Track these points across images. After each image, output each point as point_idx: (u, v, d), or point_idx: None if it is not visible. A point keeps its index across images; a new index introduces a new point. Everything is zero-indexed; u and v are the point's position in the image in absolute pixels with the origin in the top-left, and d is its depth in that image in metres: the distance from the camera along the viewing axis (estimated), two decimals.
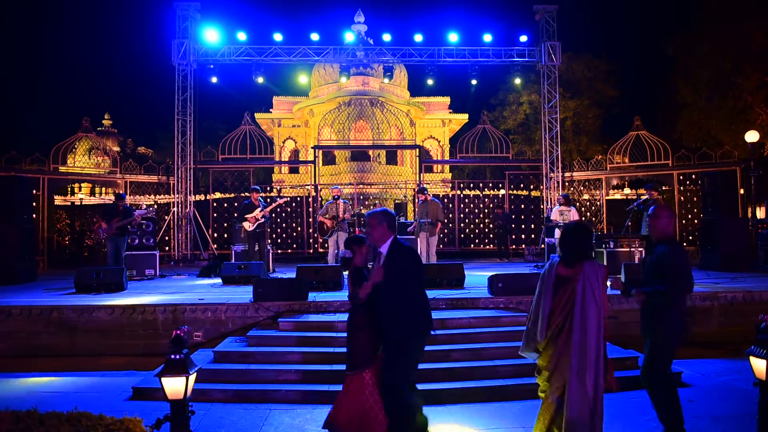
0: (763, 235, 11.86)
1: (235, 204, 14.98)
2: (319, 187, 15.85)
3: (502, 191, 16.49)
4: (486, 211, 16.11)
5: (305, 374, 5.69)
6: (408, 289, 3.89)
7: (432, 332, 4.00)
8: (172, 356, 3.61)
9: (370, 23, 27.71)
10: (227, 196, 16.03)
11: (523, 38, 15.56)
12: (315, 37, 15.39)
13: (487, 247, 15.99)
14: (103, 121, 50.49)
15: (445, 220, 14.66)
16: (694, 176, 14.37)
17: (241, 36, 15.17)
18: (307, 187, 17.59)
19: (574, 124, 27.16)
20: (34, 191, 12.81)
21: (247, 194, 13.27)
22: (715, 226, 11.12)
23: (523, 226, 16.02)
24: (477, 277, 9.38)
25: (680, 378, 5.64)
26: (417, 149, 18.53)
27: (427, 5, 50.04)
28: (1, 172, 12.95)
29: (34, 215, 12.32)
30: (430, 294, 4.78)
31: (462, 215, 16.10)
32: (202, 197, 15.91)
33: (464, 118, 28.15)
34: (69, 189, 22.05)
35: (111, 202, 12.85)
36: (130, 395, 5.44)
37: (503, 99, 29.57)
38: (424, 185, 14.04)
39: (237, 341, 6.66)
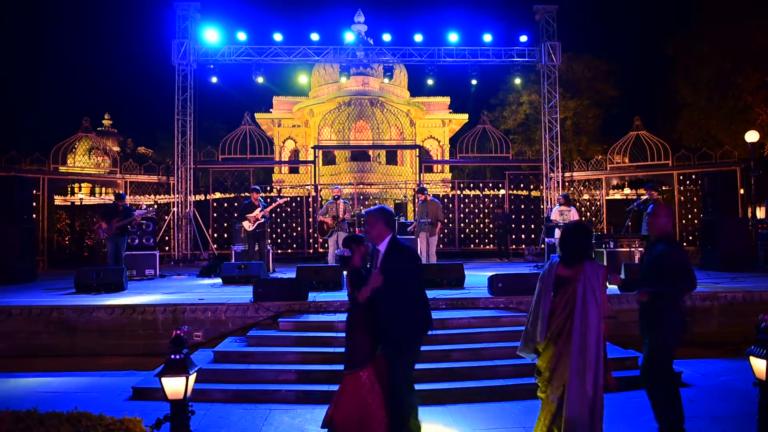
0: (763, 235, 11.87)
1: (235, 204, 14.99)
2: (319, 187, 15.85)
3: (502, 191, 16.49)
4: (486, 211, 16.11)
5: (305, 374, 5.70)
6: (407, 289, 3.89)
7: (432, 332, 4.00)
8: (172, 356, 3.61)
9: (370, 23, 27.72)
10: (227, 196, 16.03)
11: (523, 38, 15.56)
12: (315, 37, 15.39)
13: (487, 247, 15.99)
14: (103, 121, 50.49)
15: (445, 220, 14.66)
16: (694, 176, 14.37)
17: (241, 36, 15.17)
18: (307, 187, 17.59)
19: (574, 124, 27.15)
20: (34, 191, 12.81)
21: (247, 194, 13.27)
22: (715, 226, 11.12)
23: (523, 226, 16.02)
24: (477, 277, 9.38)
25: (680, 378, 5.63)
26: (417, 149, 18.53)
27: (427, 5, 50.06)
28: (1, 172, 12.95)
29: (34, 215, 12.33)
30: (430, 294, 4.78)
31: (462, 215, 16.10)
32: (202, 197, 15.91)
33: (464, 118, 28.13)
34: (69, 189, 22.07)
35: (111, 202, 12.85)
36: (130, 395, 5.44)
37: (503, 99, 29.56)
38: (424, 185, 14.04)
39: (237, 341, 6.66)
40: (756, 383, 3.71)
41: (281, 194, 18.19)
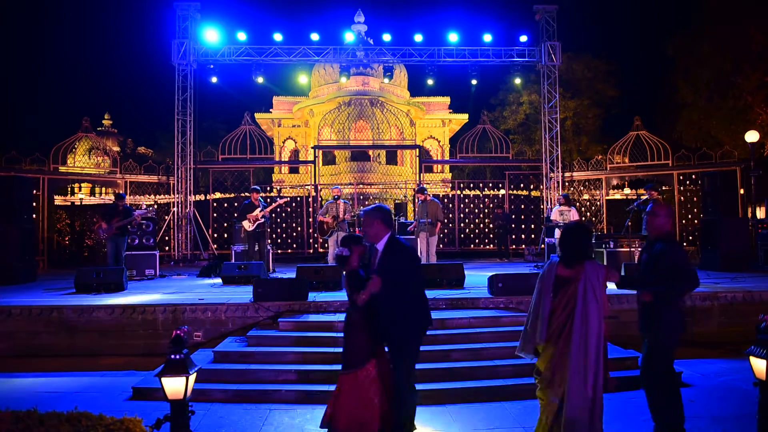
0: (763, 235, 11.86)
1: (235, 204, 14.99)
2: (319, 187, 15.86)
3: (502, 191, 16.49)
4: (486, 211, 16.11)
5: (305, 374, 5.70)
6: (407, 289, 3.88)
7: (432, 332, 4.00)
8: (172, 356, 3.60)
9: (370, 23, 27.70)
10: (227, 196, 16.03)
11: (523, 38, 15.57)
12: (315, 37, 15.39)
13: (487, 247, 15.99)
14: (103, 121, 50.52)
15: (445, 220, 14.66)
16: (694, 176, 14.37)
17: (241, 36, 15.17)
18: (307, 187, 17.59)
19: (574, 124, 27.15)
20: (34, 191, 12.81)
21: (247, 194, 13.26)
22: (715, 226, 11.12)
23: (523, 226, 16.02)
24: (477, 277, 9.38)
25: (680, 378, 5.63)
26: (417, 149, 18.53)
27: (427, 5, 50.07)
28: (1, 172, 12.95)
29: (34, 215, 12.33)
30: (430, 294, 4.77)
31: (462, 215, 16.10)
32: (202, 197, 15.91)
33: (464, 118, 28.12)
34: (69, 189, 22.07)
35: (111, 202, 12.85)
36: (130, 395, 5.44)
37: (503, 99, 29.55)
38: (424, 185, 14.03)
39: (237, 341, 6.66)
40: (756, 383, 3.71)
41: (281, 194, 18.19)
